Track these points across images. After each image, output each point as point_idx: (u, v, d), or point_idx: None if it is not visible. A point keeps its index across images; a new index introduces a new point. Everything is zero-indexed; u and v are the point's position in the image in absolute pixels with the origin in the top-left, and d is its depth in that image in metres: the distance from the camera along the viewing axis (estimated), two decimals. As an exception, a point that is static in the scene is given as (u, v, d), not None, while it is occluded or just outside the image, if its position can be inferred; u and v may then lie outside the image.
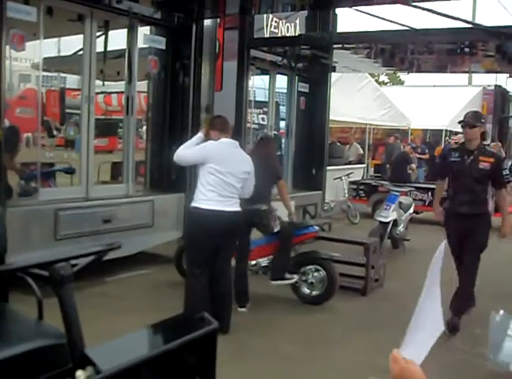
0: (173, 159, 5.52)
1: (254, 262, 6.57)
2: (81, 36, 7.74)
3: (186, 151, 5.43)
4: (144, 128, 9.13)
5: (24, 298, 2.84)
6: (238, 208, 5.38)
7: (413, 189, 12.55)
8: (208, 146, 5.38)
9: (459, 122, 5.93)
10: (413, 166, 14.39)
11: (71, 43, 8.55)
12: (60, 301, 2.18)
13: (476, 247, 5.81)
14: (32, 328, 2.69)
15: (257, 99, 11.66)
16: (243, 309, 6.12)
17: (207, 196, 5.23)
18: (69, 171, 8.08)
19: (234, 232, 5.46)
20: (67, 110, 8.60)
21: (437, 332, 1.66)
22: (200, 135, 5.58)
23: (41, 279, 2.29)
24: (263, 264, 6.59)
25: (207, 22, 9.20)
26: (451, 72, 13.97)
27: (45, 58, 7.37)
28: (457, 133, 19.07)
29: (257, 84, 11.54)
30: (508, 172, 10.89)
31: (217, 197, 5.22)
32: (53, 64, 8.04)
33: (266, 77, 11.74)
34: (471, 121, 5.74)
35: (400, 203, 9.98)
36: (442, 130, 20.55)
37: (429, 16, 9.63)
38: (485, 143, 6.25)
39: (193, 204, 5.31)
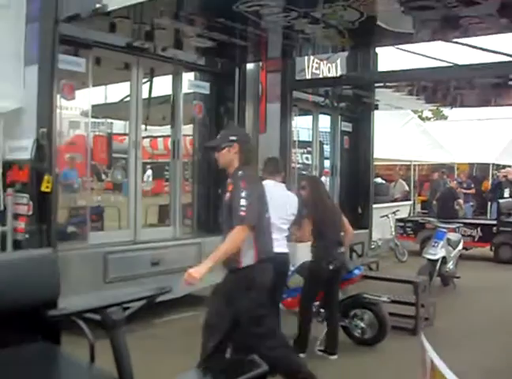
0: None
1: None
2: (128, 84, 8.01)
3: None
4: (191, 171, 9.26)
5: (76, 340, 2.90)
6: (284, 249, 5.32)
7: (461, 225, 12.31)
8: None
9: None
10: (460, 201, 14.19)
11: (118, 90, 8.85)
12: (112, 344, 2.24)
13: None
14: (85, 371, 2.75)
15: (301, 138, 11.75)
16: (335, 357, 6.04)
17: None
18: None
19: (279, 273, 5.22)
20: (114, 155, 8.84)
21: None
22: None
23: (94, 323, 2.35)
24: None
25: (250, 66, 9.40)
26: (495, 105, 13.82)
27: (93, 106, 7.64)
28: (504, 167, 18.80)
29: (301, 124, 11.64)
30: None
31: None
32: (101, 111, 8.31)
33: (309, 118, 11.84)
34: None
35: (448, 239, 9.82)
36: (489, 164, 20.22)
37: (470, 50, 9.62)
38: None
39: None
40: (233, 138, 4.57)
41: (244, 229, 4.23)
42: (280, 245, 5.28)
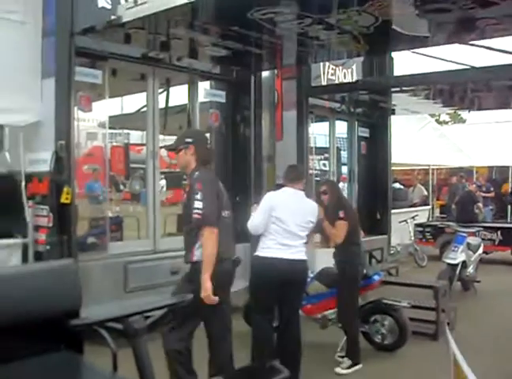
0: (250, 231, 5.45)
1: (319, 315, 6.51)
2: (144, 94, 8.07)
3: (254, 217, 5.39)
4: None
5: (98, 349, 2.91)
6: (301, 257, 5.29)
7: (481, 228, 12.19)
8: (269, 196, 5.43)
9: None
10: (480, 205, 14.07)
11: (134, 101, 8.92)
12: (135, 353, 2.24)
13: None
14: (108, 380, 2.75)
15: (318, 145, 11.74)
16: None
17: (266, 244, 5.24)
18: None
19: (295, 280, 5.31)
20: (132, 165, 8.89)
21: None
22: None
23: (116, 332, 2.36)
24: (331, 317, 6.49)
25: (265, 73, 9.43)
26: (514, 107, 13.70)
27: (110, 117, 7.70)
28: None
29: (318, 130, 11.64)
30: None
31: (277, 244, 5.19)
32: (118, 121, 8.39)
33: (326, 124, 11.82)
34: None
35: (468, 244, 9.74)
36: (508, 167, 20.01)
37: (488, 53, 9.56)
38: None
39: (255, 253, 5.35)
40: (189, 140, 4.67)
41: (211, 230, 4.32)
42: (297, 252, 5.27)
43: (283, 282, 5.16)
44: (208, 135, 9.12)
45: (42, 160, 6.68)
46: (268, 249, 5.22)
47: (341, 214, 5.97)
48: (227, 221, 4.65)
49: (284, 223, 5.22)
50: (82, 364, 2.96)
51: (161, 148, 7.94)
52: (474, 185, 16.05)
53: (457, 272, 9.19)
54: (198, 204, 4.29)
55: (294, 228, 5.24)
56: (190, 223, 4.42)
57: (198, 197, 4.30)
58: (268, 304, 5.31)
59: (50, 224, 6.58)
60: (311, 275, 6.52)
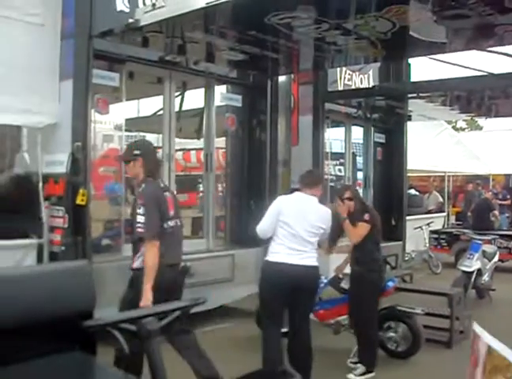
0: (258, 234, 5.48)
1: (332, 321, 6.49)
2: (161, 97, 8.12)
3: (262, 220, 5.40)
4: (224, 183, 9.29)
5: (111, 351, 2.93)
6: (311, 263, 5.22)
7: (497, 236, 12.09)
8: (279, 200, 5.44)
9: None
10: (496, 213, 13.98)
11: (151, 104, 8.96)
12: (147, 355, 2.25)
13: None
14: (120, 381, 2.77)
15: (334, 150, 11.72)
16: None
17: (275, 249, 5.22)
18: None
19: (305, 286, 5.24)
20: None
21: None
22: None
23: (129, 333, 2.37)
24: (344, 323, 6.46)
25: (281, 78, 9.41)
26: (532, 114, 13.60)
27: (127, 119, 7.74)
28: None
29: (333, 135, 11.62)
30: None
31: (286, 249, 5.16)
32: (134, 124, 8.42)
33: (342, 129, 11.81)
34: None
35: (483, 251, 9.67)
36: (525, 174, 19.92)
37: (505, 59, 9.51)
38: None
39: (265, 258, 5.34)
40: (137, 152, 4.82)
41: (152, 244, 4.54)
42: (308, 258, 5.23)
43: (293, 287, 5.13)
44: (223, 139, 9.17)
45: (58, 162, 6.72)
46: (277, 253, 5.20)
47: (366, 216, 5.95)
48: (173, 230, 4.82)
49: (292, 228, 5.17)
50: (95, 365, 2.98)
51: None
52: (490, 193, 15.94)
53: (472, 279, 9.12)
54: (140, 219, 4.54)
55: (302, 233, 5.19)
56: (134, 234, 4.71)
57: (141, 211, 4.55)
58: (276, 309, 5.28)
59: (66, 225, 6.61)
60: (325, 281, 6.50)
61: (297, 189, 5.60)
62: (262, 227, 5.35)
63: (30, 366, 2.52)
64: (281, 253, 5.17)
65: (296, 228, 5.18)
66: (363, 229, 5.94)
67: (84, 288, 3.09)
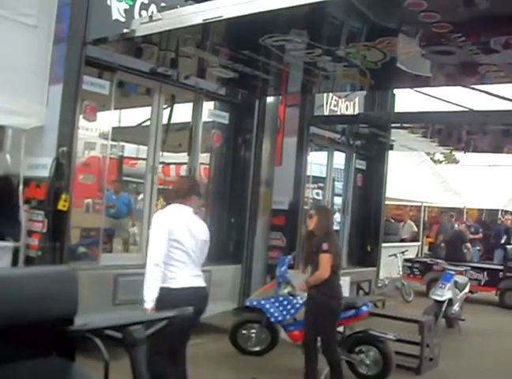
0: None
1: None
2: (149, 109, 8.11)
3: (154, 248, 4.60)
4: (204, 199, 9.26)
5: (89, 362, 2.92)
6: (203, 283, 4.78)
7: (469, 268, 12.30)
8: (162, 217, 4.72)
9: None
10: (468, 245, 14.17)
11: (138, 115, 8.95)
12: (132, 362, 2.26)
13: None
14: (98, 389, 2.76)
15: (315, 174, 11.81)
16: None
17: (176, 273, 4.58)
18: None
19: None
20: (125, 178, 8.98)
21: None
22: None
23: (114, 340, 2.38)
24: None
25: (269, 99, 9.52)
26: (507, 152, 13.88)
27: (114, 128, 7.71)
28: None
29: (316, 159, 11.71)
30: None
31: (187, 271, 4.62)
32: (120, 134, 8.39)
33: (325, 153, 11.94)
34: None
35: (455, 282, 9.80)
36: (497, 210, 20.26)
37: (486, 97, 9.74)
38: None
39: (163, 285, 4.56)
40: None
41: None
42: (201, 278, 4.77)
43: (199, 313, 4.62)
44: (207, 155, 9.19)
45: (42, 165, 6.67)
46: (179, 278, 4.59)
47: (325, 246, 5.72)
48: None
49: (185, 246, 4.60)
50: (73, 371, 2.96)
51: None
52: (464, 225, 16.14)
53: (443, 308, 9.24)
54: None
55: (195, 251, 4.67)
56: None
57: None
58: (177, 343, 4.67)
59: (44, 230, 6.55)
60: (301, 301, 6.54)
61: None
62: (160, 255, 4.51)
63: (5, 371, 2.50)
64: (183, 277, 4.60)
65: (189, 246, 4.62)
66: (326, 263, 5.72)
67: (67, 293, 3.08)
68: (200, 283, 4.69)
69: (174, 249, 4.54)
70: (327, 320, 5.86)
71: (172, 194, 4.95)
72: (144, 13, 6.94)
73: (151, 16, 6.25)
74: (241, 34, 6.19)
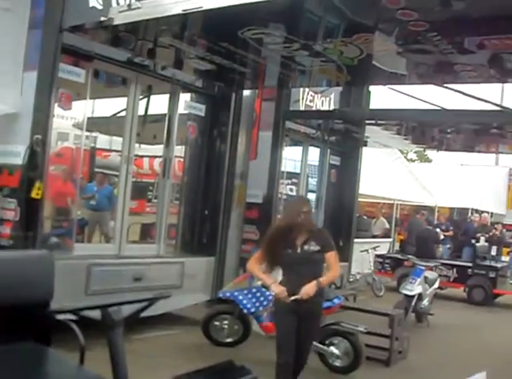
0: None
1: None
2: (125, 99, 8.04)
3: None
4: (178, 191, 9.26)
5: (65, 345, 2.91)
6: None
7: (439, 264, 12.52)
8: None
9: None
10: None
11: (114, 105, 8.87)
12: (110, 343, 2.28)
13: None
14: (74, 372, 2.77)
15: (289, 169, 11.84)
16: None
17: None
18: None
19: None
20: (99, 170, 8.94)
21: None
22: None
23: (92, 323, 2.39)
24: None
25: (246, 92, 9.52)
26: (479, 152, 14.13)
27: (89, 118, 7.62)
28: (483, 212, 19.18)
29: (290, 154, 11.74)
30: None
31: None
32: (95, 124, 8.31)
33: (299, 149, 11.99)
34: None
35: (425, 277, 9.95)
36: (468, 209, 20.64)
37: (459, 97, 9.89)
38: None
39: None
40: None
41: None
42: None
43: None
44: (182, 147, 9.17)
45: (15, 153, 6.55)
46: None
47: (332, 242, 5.31)
48: None
49: None
50: (49, 355, 2.97)
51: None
52: (424, 218, 16.12)
53: (413, 303, 9.39)
54: None
55: None
56: None
57: None
58: None
59: (17, 218, 6.46)
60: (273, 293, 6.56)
61: None
62: None
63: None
64: None
65: None
66: (336, 257, 5.19)
67: (44, 278, 3.09)
68: None
69: None
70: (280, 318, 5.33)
71: None
72: (122, 1, 6.86)
73: (129, 5, 6.19)
74: (220, 26, 6.16)
